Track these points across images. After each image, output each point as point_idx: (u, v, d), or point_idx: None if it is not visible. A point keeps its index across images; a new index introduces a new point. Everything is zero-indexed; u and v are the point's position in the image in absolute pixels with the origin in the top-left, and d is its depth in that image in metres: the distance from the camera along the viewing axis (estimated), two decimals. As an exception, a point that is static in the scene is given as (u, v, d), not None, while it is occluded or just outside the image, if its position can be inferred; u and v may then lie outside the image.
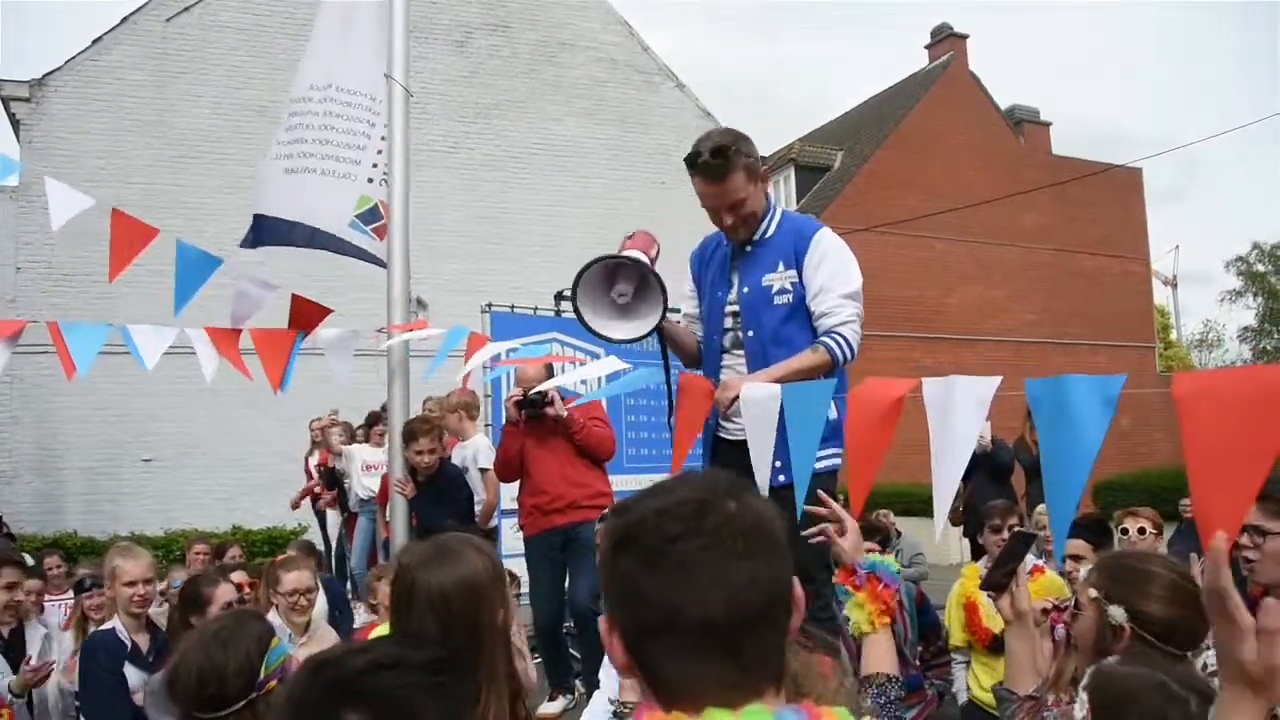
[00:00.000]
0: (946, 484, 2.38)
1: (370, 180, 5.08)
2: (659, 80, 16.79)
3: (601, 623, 1.08)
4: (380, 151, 5.07)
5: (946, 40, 23.16)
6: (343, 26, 5.12)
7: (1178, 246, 37.88)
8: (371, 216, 5.05)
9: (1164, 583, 2.18)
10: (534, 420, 5.21)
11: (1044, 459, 2.12)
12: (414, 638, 1.99)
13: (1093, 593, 2.22)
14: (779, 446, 3.28)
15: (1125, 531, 4.60)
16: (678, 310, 3.69)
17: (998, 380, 2.36)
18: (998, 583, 2.39)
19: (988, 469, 7.77)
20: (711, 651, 0.98)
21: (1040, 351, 20.82)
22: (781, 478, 3.26)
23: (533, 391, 5.17)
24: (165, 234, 4.74)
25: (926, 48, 23.85)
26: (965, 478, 8.15)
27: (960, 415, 2.38)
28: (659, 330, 3.41)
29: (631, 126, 16.32)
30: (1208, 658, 2.36)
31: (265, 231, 5.20)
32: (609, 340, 3.31)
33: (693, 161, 3.37)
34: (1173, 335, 39.24)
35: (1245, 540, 2.86)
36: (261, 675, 2.08)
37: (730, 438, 3.50)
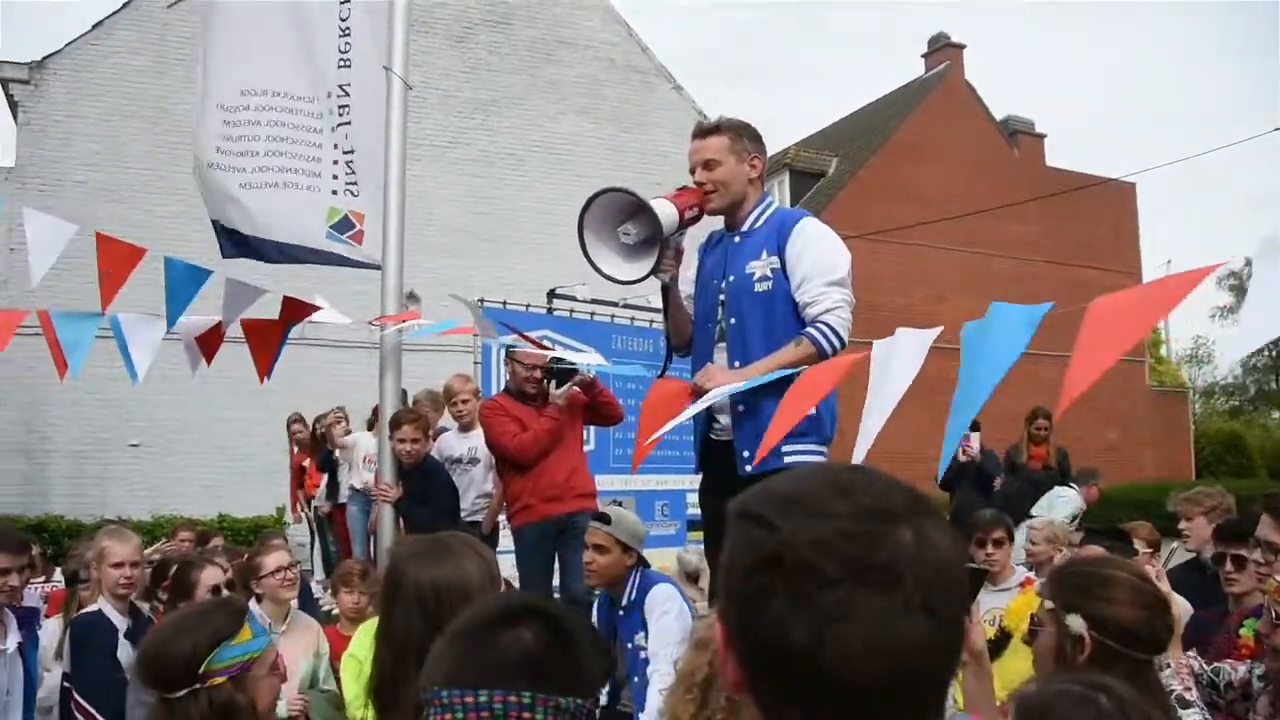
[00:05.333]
0: (869, 432, 2.55)
1: (335, 192, 4.93)
2: (656, 81, 16.83)
3: (718, 628, 0.93)
4: (337, 162, 4.91)
5: (943, 49, 23.24)
6: (273, 27, 4.90)
7: (1169, 260, 37.96)
8: (345, 226, 4.94)
9: (1122, 585, 2.10)
10: (560, 385, 5.27)
11: (961, 378, 2.18)
12: (400, 631, 2.02)
13: (1049, 604, 2.13)
14: (750, 436, 3.34)
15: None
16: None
17: (937, 330, 2.46)
18: None
19: (974, 479, 7.82)
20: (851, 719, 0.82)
21: (1031, 363, 20.84)
22: (748, 468, 3.32)
23: (552, 359, 5.25)
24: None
25: (923, 56, 23.92)
26: (951, 487, 8.36)
27: (897, 365, 2.54)
28: (664, 289, 3.53)
29: (628, 126, 16.37)
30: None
31: (235, 244, 5.05)
32: (595, 267, 3.32)
33: (693, 130, 3.58)
34: (1163, 350, 39.37)
35: (1258, 556, 2.83)
36: (203, 669, 2.09)
37: (719, 438, 3.55)
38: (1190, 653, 2.81)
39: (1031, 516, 7.49)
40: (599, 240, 3.30)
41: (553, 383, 5.31)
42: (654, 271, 3.32)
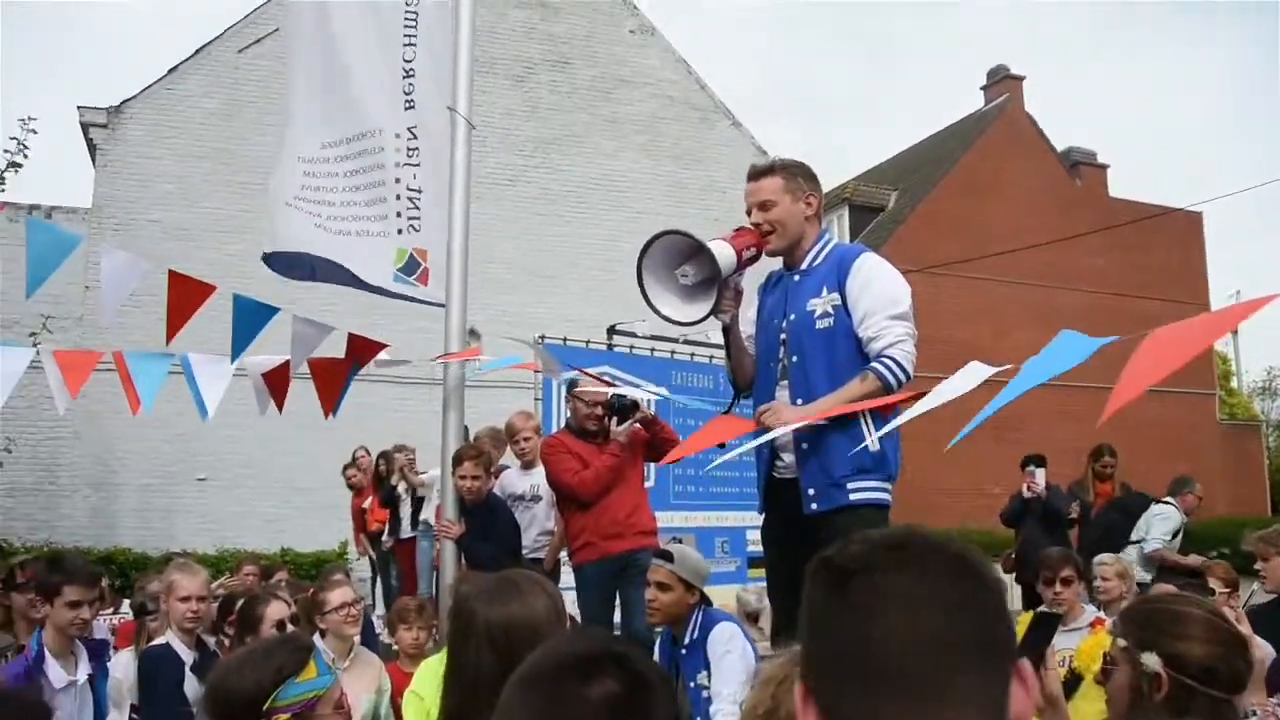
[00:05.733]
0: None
1: (400, 231, 4.99)
2: (716, 118, 16.90)
3: (798, 692, 0.99)
4: (400, 197, 4.97)
5: (1003, 81, 23.06)
6: (346, 74, 5.00)
7: (1239, 291, 36.97)
8: (411, 267, 4.98)
9: (1197, 621, 2.04)
10: (621, 422, 5.29)
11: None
12: (470, 669, 2.01)
13: (1122, 642, 2.07)
14: (815, 474, 3.31)
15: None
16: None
17: (1006, 367, 2.53)
18: None
19: (1040, 515, 7.66)
20: None
21: (1094, 397, 20.47)
22: (815, 505, 3.28)
23: (612, 398, 5.28)
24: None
25: (983, 89, 23.76)
26: (1016, 524, 8.18)
27: (956, 383, 2.71)
28: (725, 329, 3.56)
29: (687, 163, 16.44)
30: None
31: (293, 265, 5.13)
32: (654, 309, 3.36)
33: (748, 173, 3.61)
34: (1234, 382, 38.33)
35: None
36: (268, 705, 2.10)
37: (782, 476, 3.52)
38: (1275, 699, 2.71)
39: (1133, 541, 7.31)
40: (658, 281, 3.33)
41: (614, 420, 5.32)
42: (713, 312, 3.34)
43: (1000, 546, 10.76)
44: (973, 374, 2.56)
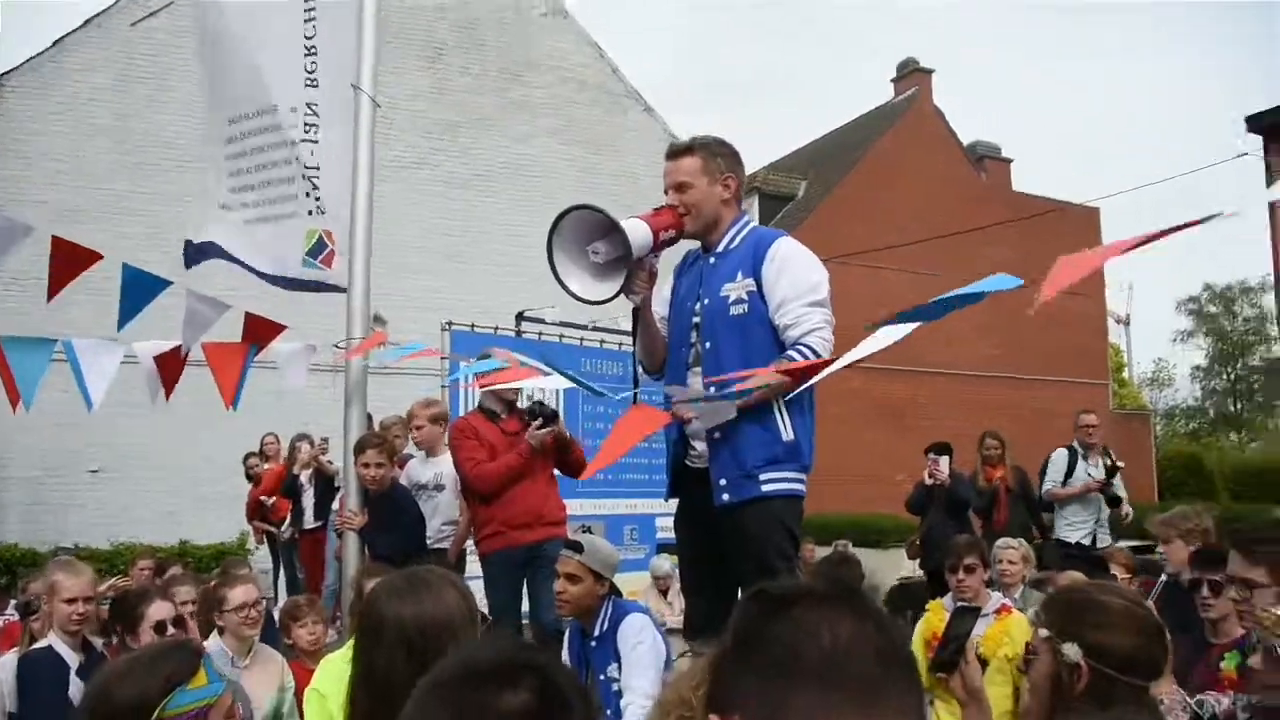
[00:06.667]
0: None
1: (310, 213, 4.91)
2: (628, 103, 16.83)
3: None
4: (305, 177, 4.88)
5: (912, 74, 23.48)
6: (245, 48, 4.95)
7: (1131, 286, 38.48)
8: (319, 249, 4.91)
9: (1117, 611, 2.07)
10: (541, 427, 5.22)
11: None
12: (382, 671, 1.94)
13: (1044, 632, 2.10)
14: (726, 465, 3.26)
15: None
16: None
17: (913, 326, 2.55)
18: (946, 662, 2.29)
19: (945, 503, 7.79)
20: None
21: (996, 386, 21.04)
22: (725, 497, 3.24)
23: (534, 403, 5.22)
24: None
25: (893, 81, 24.15)
26: (922, 512, 8.33)
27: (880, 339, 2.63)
28: (634, 310, 3.45)
29: (598, 148, 16.32)
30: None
31: (207, 254, 5.05)
32: (562, 285, 3.22)
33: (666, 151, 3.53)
34: (1125, 373, 39.83)
35: (1234, 594, 2.79)
36: (155, 715, 1.96)
37: (695, 466, 3.45)
38: (1173, 687, 2.77)
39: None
40: (568, 258, 3.20)
41: (536, 422, 5.24)
42: (623, 291, 3.23)
43: (904, 533, 10.96)
44: (884, 337, 2.54)
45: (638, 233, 3.14)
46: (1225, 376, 44.20)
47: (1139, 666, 2.00)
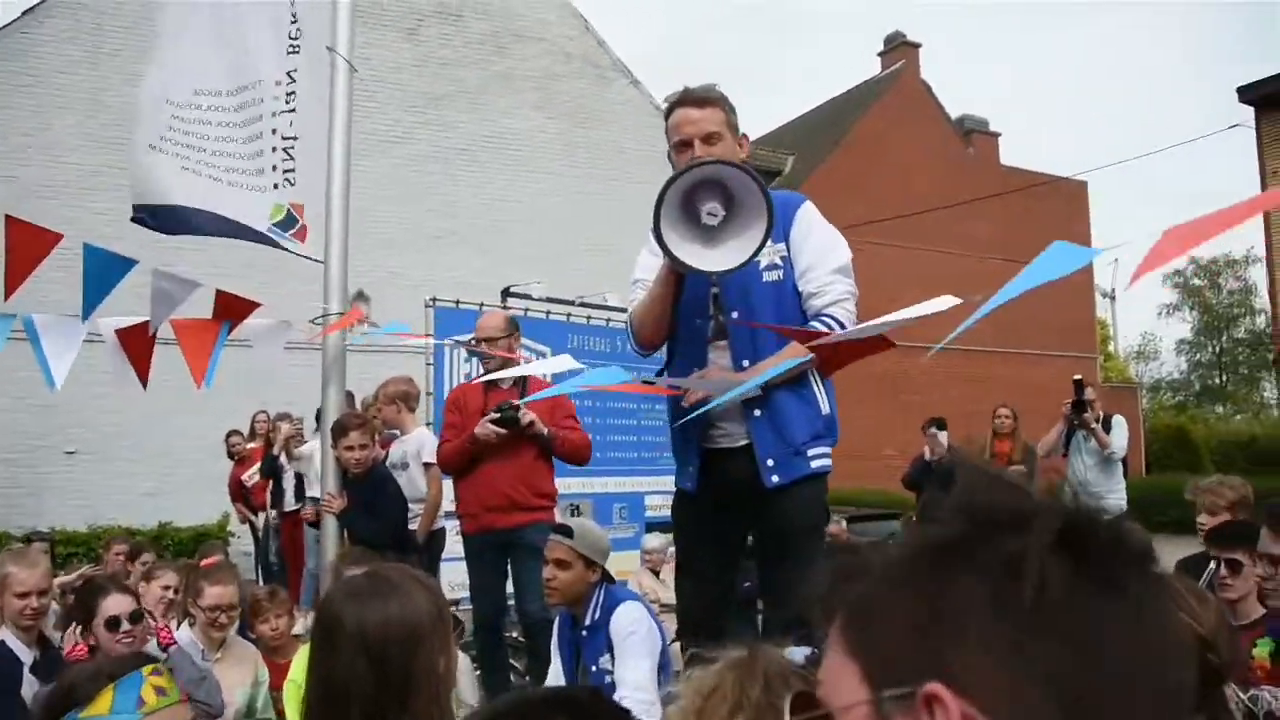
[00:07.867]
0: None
1: (276, 186, 4.66)
2: (613, 75, 16.54)
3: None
4: (276, 150, 4.65)
5: (899, 48, 23.28)
6: (223, 20, 4.73)
7: (1117, 260, 38.46)
8: (289, 223, 4.67)
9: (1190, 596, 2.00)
10: (498, 425, 4.95)
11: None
12: (339, 682, 1.76)
13: None
14: (773, 443, 3.04)
15: None
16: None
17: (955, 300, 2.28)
18: None
19: (941, 479, 7.66)
20: None
21: (985, 360, 20.95)
22: (775, 478, 3.02)
23: (506, 406, 4.93)
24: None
25: (880, 55, 23.93)
26: (918, 488, 8.20)
27: (916, 309, 2.36)
28: (678, 276, 2.99)
29: (582, 120, 16.02)
30: None
31: (165, 219, 4.76)
32: (696, 271, 2.81)
33: (679, 98, 3.16)
34: (1111, 347, 39.92)
35: (1260, 570, 2.69)
36: None
37: (721, 446, 3.15)
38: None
39: None
40: (671, 228, 2.77)
41: (493, 415, 4.98)
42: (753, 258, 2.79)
43: (898, 508, 10.85)
44: (941, 302, 2.33)
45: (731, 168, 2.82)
46: (1211, 349, 44.39)
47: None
